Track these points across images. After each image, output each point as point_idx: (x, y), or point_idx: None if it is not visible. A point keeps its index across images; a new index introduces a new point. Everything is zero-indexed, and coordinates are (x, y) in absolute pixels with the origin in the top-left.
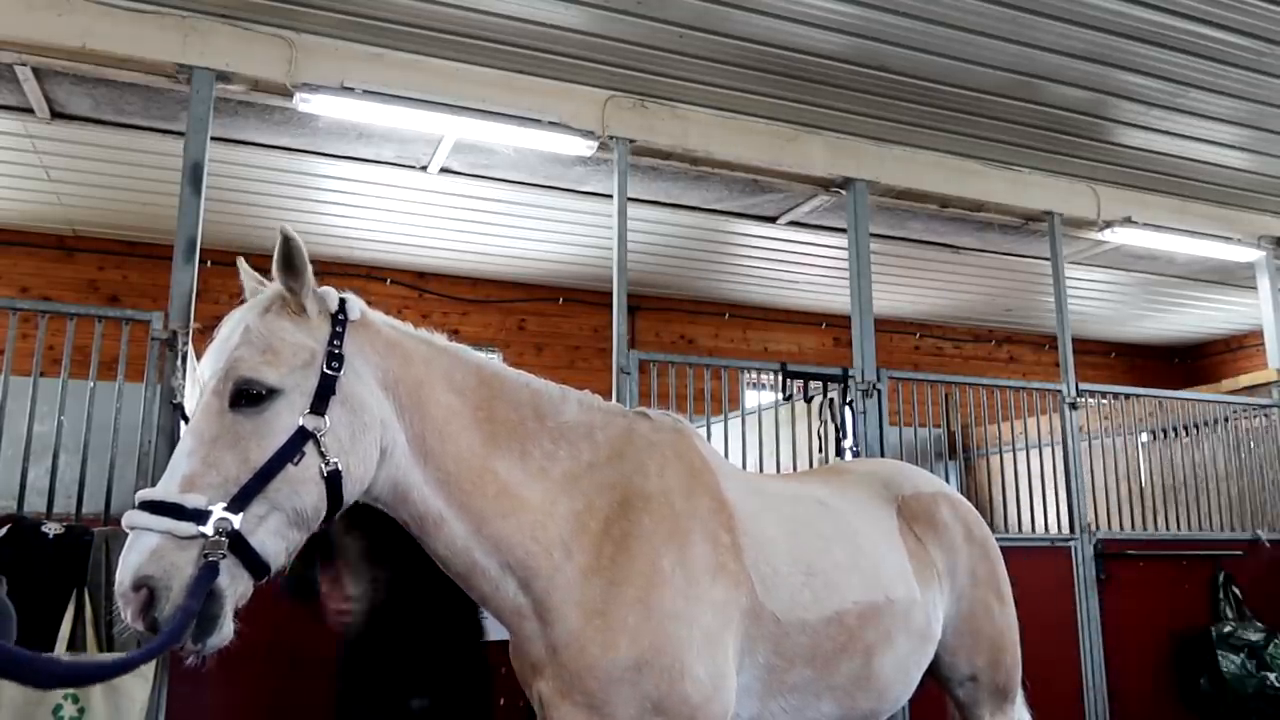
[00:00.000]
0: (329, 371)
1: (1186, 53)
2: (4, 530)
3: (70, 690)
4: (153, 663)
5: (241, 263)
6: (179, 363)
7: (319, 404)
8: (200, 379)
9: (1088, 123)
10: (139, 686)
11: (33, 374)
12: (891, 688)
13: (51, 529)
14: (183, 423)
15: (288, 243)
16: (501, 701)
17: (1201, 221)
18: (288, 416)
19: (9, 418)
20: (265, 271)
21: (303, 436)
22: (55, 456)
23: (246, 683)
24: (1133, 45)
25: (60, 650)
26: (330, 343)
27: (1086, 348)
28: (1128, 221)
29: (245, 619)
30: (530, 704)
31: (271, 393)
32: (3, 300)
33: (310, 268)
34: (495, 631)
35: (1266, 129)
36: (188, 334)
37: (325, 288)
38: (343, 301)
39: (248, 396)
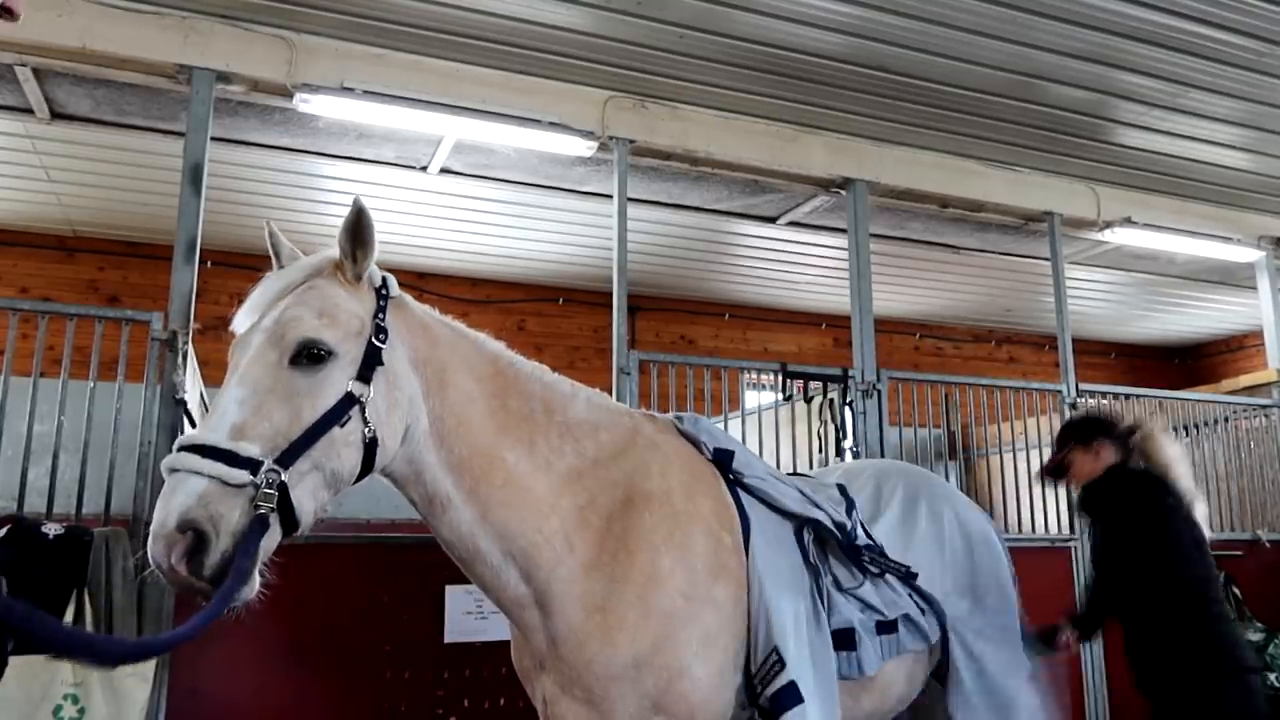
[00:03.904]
0: (375, 342)
1: (1186, 53)
2: (4, 530)
3: (70, 690)
4: (153, 663)
5: (270, 225)
6: (179, 363)
7: (365, 372)
8: (238, 328)
9: (1088, 123)
10: (139, 687)
11: (33, 374)
12: (893, 687)
13: (51, 529)
14: (185, 419)
15: (361, 214)
16: (502, 701)
17: (1201, 221)
18: (339, 380)
19: (9, 418)
20: (263, 272)
21: (350, 401)
22: (55, 456)
23: (246, 683)
24: (1133, 45)
25: None
26: (376, 315)
27: (1086, 348)
28: (1128, 222)
29: (248, 619)
30: (531, 703)
31: (329, 355)
32: (3, 300)
33: (376, 243)
34: (498, 631)
35: (1266, 129)
36: (188, 334)
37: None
38: (385, 278)
39: (309, 355)
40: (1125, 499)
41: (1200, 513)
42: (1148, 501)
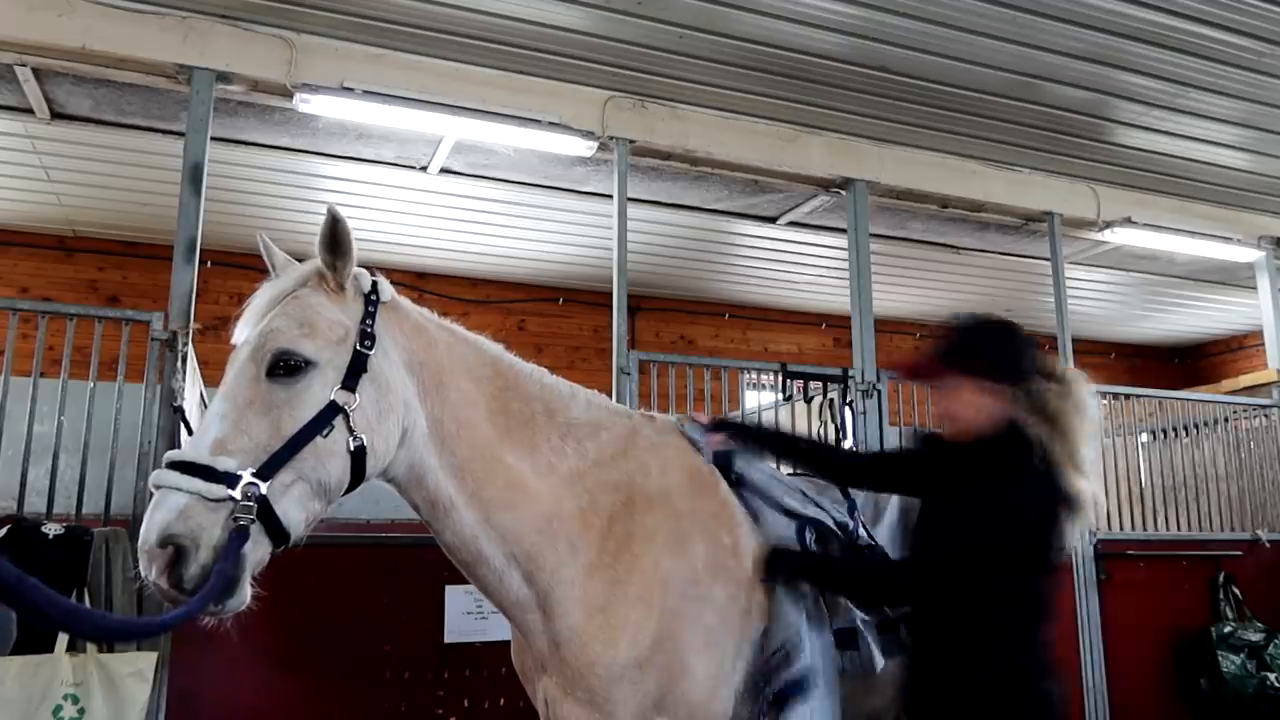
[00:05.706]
0: (361, 349)
1: (1186, 53)
2: (4, 530)
3: (70, 690)
4: (153, 663)
5: (263, 236)
6: (179, 363)
7: (350, 380)
8: (236, 340)
9: (1088, 123)
10: (139, 687)
11: (33, 374)
12: (891, 686)
13: (51, 529)
14: (182, 425)
15: (335, 223)
16: (502, 701)
17: (1201, 221)
18: (320, 390)
19: (9, 418)
20: (263, 273)
21: (333, 410)
22: (55, 457)
23: (246, 683)
24: (1133, 45)
25: (60, 650)
26: (363, 321)
27: (1086, 348)
28: (1128, 222)
29: (248, 619)
30: (531, 704)
31: (308, 365)
32: (3, 300)
33: (354, 249)
34: (498, 631)
35: (1266, 129)
36: (188, 334)
37: (359, 269)
38: (375, 283)
39: (285, 366)
40: (1011, 479)
41: (1089, 496)
42: (1036, 491)
